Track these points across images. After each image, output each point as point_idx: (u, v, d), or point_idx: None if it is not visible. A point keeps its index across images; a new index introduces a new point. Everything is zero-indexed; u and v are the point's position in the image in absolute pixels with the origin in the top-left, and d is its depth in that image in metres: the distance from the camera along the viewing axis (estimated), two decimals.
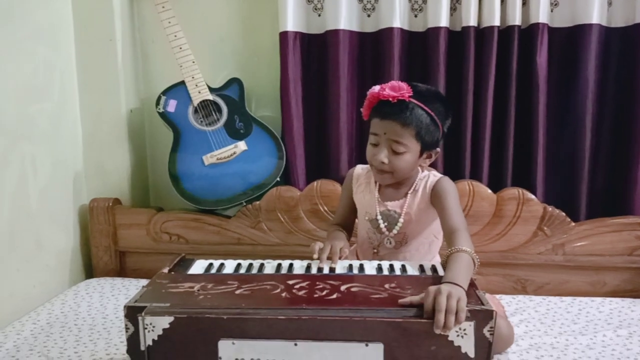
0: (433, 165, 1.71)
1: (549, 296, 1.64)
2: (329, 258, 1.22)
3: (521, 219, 1.67)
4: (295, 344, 0.96)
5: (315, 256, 1.22)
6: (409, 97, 1.22)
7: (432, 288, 0.97)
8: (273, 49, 1.83)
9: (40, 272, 1.71)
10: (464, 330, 0.94)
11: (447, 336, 0.94)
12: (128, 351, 1.01)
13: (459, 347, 0.95)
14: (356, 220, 1.48)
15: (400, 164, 1.26)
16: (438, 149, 1.32)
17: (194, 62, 1.80)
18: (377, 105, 1.27)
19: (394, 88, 1.23)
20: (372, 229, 1.37)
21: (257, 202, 1.78)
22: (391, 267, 1.20)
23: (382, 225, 1.34)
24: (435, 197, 1.30)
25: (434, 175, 1.34)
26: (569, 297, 1.63)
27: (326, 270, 1.19)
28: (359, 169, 1.45)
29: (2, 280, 1.54)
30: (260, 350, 0.97)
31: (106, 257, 1.88)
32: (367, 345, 0.95)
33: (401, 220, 1.32)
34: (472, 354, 0.95)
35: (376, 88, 1.27)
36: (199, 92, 1.81)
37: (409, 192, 1.33)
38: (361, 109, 1.34)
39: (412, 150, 1.25)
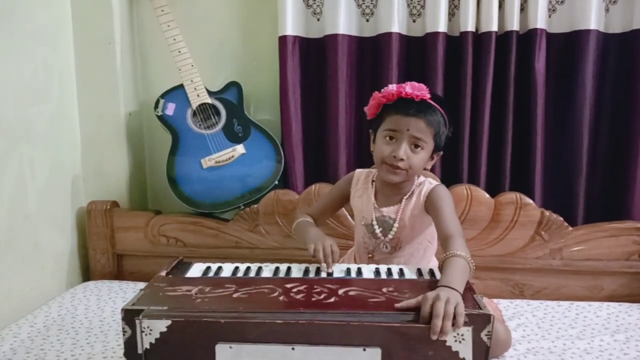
0: (432, 169, 1.72)
1: (546, 300, 1.64)
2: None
3: (519, 223, 1.67)
4: (293, 348, 0.95)
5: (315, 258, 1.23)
6: (429, 98, 1.26)
7: (430, 294, 0.97)
8: (272, 53, 1.83)
9: (38, 274, 1.70)
10: (462, 335, 0.94)
11: (445, 341, 0.94)
12: (125, 354, 1.00)
13: (457, 352, 0.94)
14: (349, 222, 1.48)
15: (417, 160, 1.27)
16: (441, 152, 1.34)
17: (192, 65, 1.81)
18: (396, 103, 1.27)
19: (415, 88, 1.26)
20: (367, 233, 1.37)
21: (255, 206, 1.78)
22: (389, 270, 1.20)
23: (377, 231, 1.34)
24: (430, 205, 1.30)
25: (430, 183, 1.34)
26: (566, 301, 1.63)
27: (324, 274, 1.19)
28: (359, 172, 1.45)
29: None
30: (257, 355, 0.96)
31: (104, 259, 1.88)
32: (364, 350, 0.95)
33: (396, 225, 1.33)
34: (469, 359, 0.95)
35: (393, 87, 1.28)
36: (198, 96, 1.81)
37: (404, 198, 1.33)
38: (365, 109, 1.35)
39: (428, 149, 1.28)
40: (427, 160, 1.30)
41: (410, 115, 1.24)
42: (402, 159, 1.25)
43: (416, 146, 1.26)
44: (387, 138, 1.28)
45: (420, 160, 1.28)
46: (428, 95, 1.26)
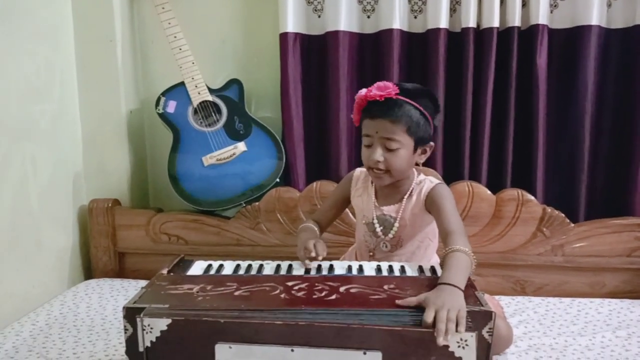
0: (432, 165, 1.72)
1: (548, 297, 1.64)
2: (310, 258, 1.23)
3: (520, 220, 1.67)
4: (292, 350, 0.95)
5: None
6: (396, 94, 1.24)
7: (433, 301, 0.96)
8: (273, 50, 1.83)
9: (40, 272, 1.71)
10: (466, 341, 0.93)
11: (448, 347, 0.92)
12: (127, 352, 1.01)
13: (460, 358, 0.93)
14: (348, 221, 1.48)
15: (396, 160, 1.26)
16: (432, 143, 1.32)
17: (193, 63, 1.80)
18: (366, 107, 1.28)
19: (380, 88, 1.25)
20: (368, 232, 1.38)
21: (257, 203, 1.78)
22: (390, 268, 1.20)
23: (378, 230, 1.34)
24: (430, 203, 1.30)
25: (431, 182, 1.34)
26: (568, 298, 1.63)
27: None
28: (358, 172, 1.45)
29: (1, 280, 1.54)
30: (256, 355, 0.96)
31: (105, 257, 1.88)
32: (365, 353, 0.94)
33: (396, 224, 1.33)
34: None
35: (363, 91, 1.28)
36: (199, 93, 1.81)
37: (405, 196, 1.33)
38: (351, 116, 1.35)
39: (406, 146, 1.26)
40: (411, 156, 1.28)
41: (377, 117, 1.25)
42: (379, 161, 1.25)
43: (391, 146, 1.25)
44: (365, 143, 1.29)
45: (400, 159, 1.26)
46: (394, 92, 1.23)
